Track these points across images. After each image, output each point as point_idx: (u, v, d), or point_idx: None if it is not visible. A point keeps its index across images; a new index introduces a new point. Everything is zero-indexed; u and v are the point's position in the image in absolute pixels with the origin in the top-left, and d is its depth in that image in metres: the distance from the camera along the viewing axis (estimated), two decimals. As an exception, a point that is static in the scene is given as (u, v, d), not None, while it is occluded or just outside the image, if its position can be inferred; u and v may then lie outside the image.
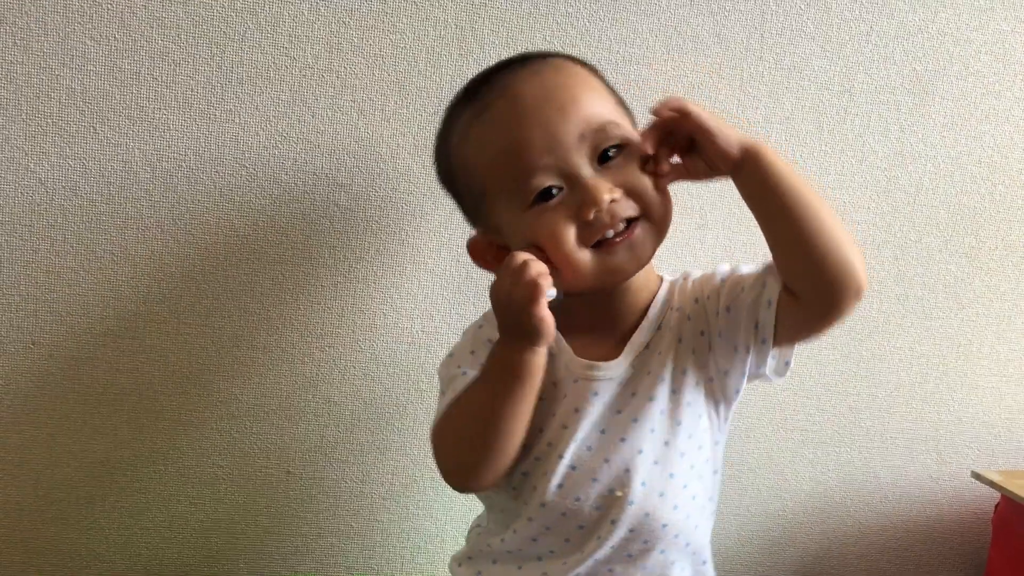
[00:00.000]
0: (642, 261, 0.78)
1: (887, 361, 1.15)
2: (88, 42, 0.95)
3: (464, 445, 0.77)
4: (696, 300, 0.82)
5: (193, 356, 1.03)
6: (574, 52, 0.89)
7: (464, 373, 0.81)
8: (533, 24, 1.00)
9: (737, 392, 0.83)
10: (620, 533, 0.79)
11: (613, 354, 0.81)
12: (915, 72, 1.08)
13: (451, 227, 1.02)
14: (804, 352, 1.11)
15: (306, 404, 1.06)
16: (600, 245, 0.75)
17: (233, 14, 0.96)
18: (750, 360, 0.80)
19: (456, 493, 0.84)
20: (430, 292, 1.05)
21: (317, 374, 1.06)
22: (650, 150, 0.76)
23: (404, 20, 0.98)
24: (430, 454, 0.81)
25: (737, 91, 1.05)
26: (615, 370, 0.81)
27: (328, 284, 1.04)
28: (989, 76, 1.10)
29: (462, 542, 0.94)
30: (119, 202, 0.99)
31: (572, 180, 0.74)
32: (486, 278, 0.81)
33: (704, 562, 0.86)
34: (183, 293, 1.02)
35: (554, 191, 0.74)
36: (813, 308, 0.76)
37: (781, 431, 1.16)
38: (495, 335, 0.77)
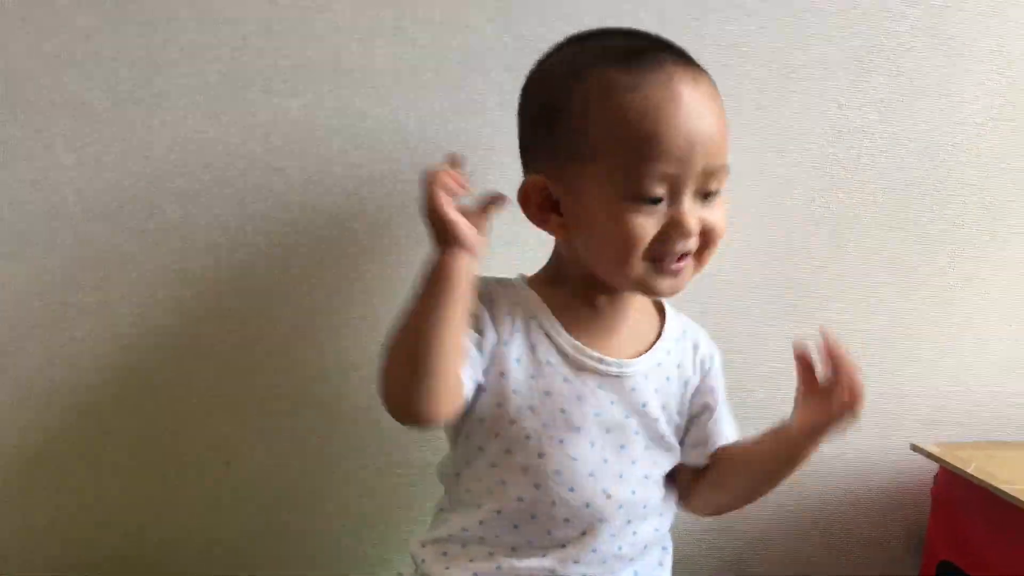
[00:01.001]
0: (676, 291, 0.81)
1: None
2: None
3: (396, 361, 0.74)
4: (685, 383, 0.89)
5: (127, 349, 1.00)
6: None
7: None
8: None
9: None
10: (603, 535, 0.82)
11: (616, 353, 0.84)
12: (852, 49, 1.09)
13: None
14: (747, 331, 1.13)
15: (243, 394, 1.04)
16: (658, 262, 0.78)
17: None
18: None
19: (400, 479, 0.85)
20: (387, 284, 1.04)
21: (256, 362, 1.03)
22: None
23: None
24: (377, 441, 0.81)
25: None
26: (622, 369, 0.84)
27: (320, 283, 1.02)
28: (924, 52, 1.11)
29: (416, 528, 0.93)
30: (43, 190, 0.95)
31: (676, 200, 0.76)
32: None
33: (665, 548, 0.91)
34: (116, 281, 0.99)
35: (660, 201, 0.76)
36: (688, 499, 0.92)
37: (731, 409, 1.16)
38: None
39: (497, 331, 0.81)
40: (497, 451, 0.81)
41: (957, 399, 1.22)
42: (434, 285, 0.73)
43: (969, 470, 1.05)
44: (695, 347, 0.91)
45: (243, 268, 1.01)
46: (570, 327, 0.83)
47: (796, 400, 0.82)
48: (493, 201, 0.78)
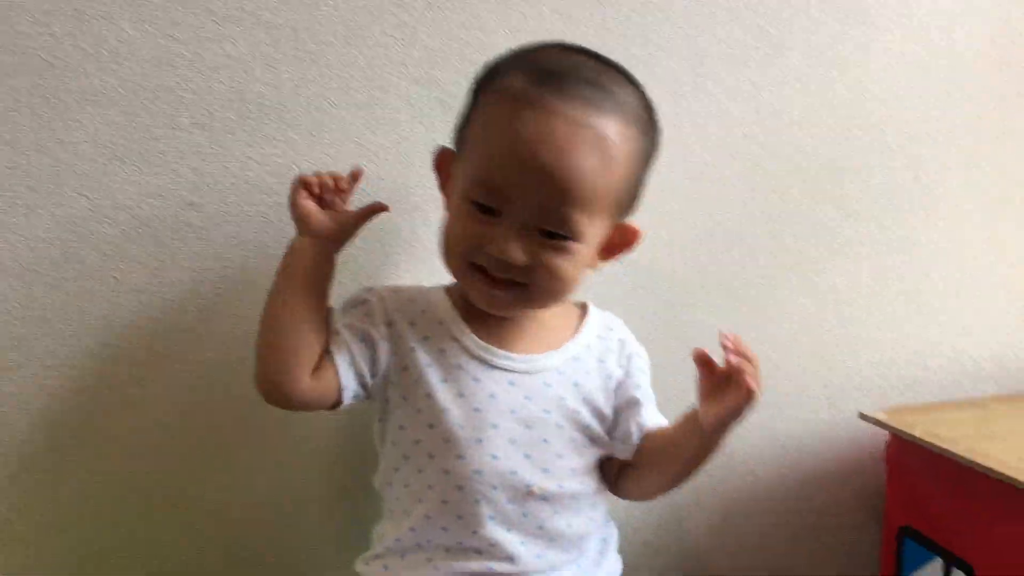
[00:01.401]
0: (493, 308, 0.83)
1: (768, 316, 1.17)
2: None
3: (258, 340, 0.83)
4: (608, 377, 0.89)
5: (55, 400, 0.99)
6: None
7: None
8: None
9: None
10: (537, 535, 0.83)
11: (525, 350, 0.86)
12: (760, 28, 1.09)
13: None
14: (685, 317, 1.13)
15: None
16: (484, 275, 0.80)
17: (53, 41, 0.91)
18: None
19: (353, 494, 0.86)
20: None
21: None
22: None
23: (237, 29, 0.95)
24: (326, 461, 0.83)
25: (587, 66, 1.05)
26: (535, 365, 0.85)
27: (189, 309, 1.00)
28: (834, 25, 1.12)
29: (365, 544, 0.92)
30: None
31: (508, 219, 0.77)
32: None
33: (606, 539, 0.92)
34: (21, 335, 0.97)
35: (494, 211, 0.77)
36: (621, 486, 0.91)
37: (674, 398, 1.15)
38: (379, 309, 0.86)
39: (402, 338, 0.84)
40: (421, 456, 0.82)
41: (903, 364, 1.23)
42: (285, 267, 0.83)
43: (916, 434, 1.06)
44: (621, 343, 0.92)
45: (171, 307, 0.99)
46: (478, 329, 0.85)
47: (699, 396, 0.81)
48: (373, 208, 0.86)
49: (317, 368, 0.81)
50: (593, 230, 0.79)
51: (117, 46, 0.92)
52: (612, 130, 0.77)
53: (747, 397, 0.76)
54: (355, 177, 0.86)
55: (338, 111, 0.98)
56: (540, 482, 0.82)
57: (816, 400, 1.20)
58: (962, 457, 0.99)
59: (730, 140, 1.11)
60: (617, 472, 0.91)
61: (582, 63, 0.80)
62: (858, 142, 1.15)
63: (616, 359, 0.90)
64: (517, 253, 0.77)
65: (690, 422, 0.83)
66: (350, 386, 0.83)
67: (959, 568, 1.05)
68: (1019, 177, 1.23)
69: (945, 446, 1.01)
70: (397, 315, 0.85)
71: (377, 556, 0.86)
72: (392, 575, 0.84)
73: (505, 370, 0.84)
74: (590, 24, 1.04)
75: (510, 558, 0.82)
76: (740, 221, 1.13)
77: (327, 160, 0.98)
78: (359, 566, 0.88)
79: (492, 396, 0.82)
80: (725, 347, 0.77)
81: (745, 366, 0.76)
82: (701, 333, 1.14)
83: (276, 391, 0.81)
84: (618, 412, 0.89)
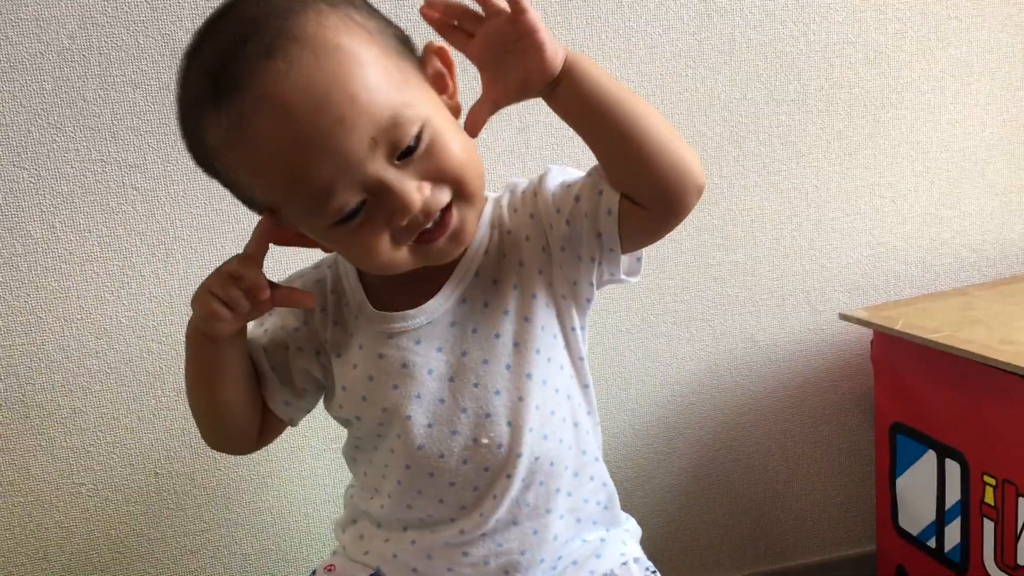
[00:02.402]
0: (467, 240, 0.71)
1: (739, 224, 1.14)
2: None
3: (196, 417, 0.79)
4: (532, 216, 0.74)
5: (22, 374, 0.97)
6: None
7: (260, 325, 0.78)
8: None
9: (589, 301, 0.76)
10: (506, 484, 0.74)
11: (428, 291, 0.74)
12: (705, -74, 1.06)
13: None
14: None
15: (157, 401, 1.01)
16: (418, 239, 0.68)
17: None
18: (602, 269, 0.73)
19: (336, 461, 0.83)
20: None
21: (163, 368, 1.00)
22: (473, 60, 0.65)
23: None
24: (303, 429, 0.82)
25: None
26: (432, 312, 0.74)
27: (145, 271, 0.98)
28: (777, -84, 1.08)
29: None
30: None
31: (375, 189, 0.64)
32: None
33: (604, 484, 0.81)
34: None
35: (361, 206, 0.65)
36: (655, 213, 0.69)
37: (652, 319, 1.14)
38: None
39: (315, 331, 0.76)
40: (371, 441, 0.77)
41: (882, 259, 1.20)
42: (195, 357, 0.74)
43: (897, 327, 1.04)
44: (511, 197, 0.77)
45: (124, 270, 0.98)
46: (376, 296, 0.75)
47: (491, 92, 0.66)
48: (296, 300, 0.73)
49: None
50: (421, 99, 0.66)
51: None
52: (308, 38, 0.62)
53: (521, 14, 0.62)
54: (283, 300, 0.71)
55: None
56: (487, 432, 0.73)
57: (796, 305, 1.18)
58: (945, 345, 0.97)
59: (682, 45, 1.08)
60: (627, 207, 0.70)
61: (221, 38, 0.64)
62: (814, 37, 1.12)
63: (530, 239, 0.74)
64: (414, 194, 0.64)
65: (562, 99, 0.67)
66: (296, 417, 0.79)
67: (952, 458, 1.04)
68: (983, 64, 1.19)
69: (927, 336, 0.99)
70: (311, 310, 0.76)
71: (353, 522, 0.82)
72: (368, 545, 0.79)
73: (407, 332, 0.74)
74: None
75: (482, 517, 0.74)
76: (700, 129, 1.11)
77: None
78: (336, 532, 0.85)
79: (405, 365, 0.73)
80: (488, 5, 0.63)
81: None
82: (676, 247, 1.13)
83: (233, 452, 0.82)
84: (579, 255, 0.73)
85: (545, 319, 0.74)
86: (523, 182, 0.77)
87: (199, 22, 0.65)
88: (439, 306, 0.74)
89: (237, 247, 0.69)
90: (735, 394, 1.19)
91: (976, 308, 1.09)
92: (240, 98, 0.62)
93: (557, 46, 0.64)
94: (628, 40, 1.06)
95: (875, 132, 1.16)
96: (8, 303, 0.96)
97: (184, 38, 0.65)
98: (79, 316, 0.98)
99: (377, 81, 0.63)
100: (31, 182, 0.94)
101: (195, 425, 0.98)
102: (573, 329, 0.76)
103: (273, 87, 0.61)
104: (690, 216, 1.08)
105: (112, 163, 0.96)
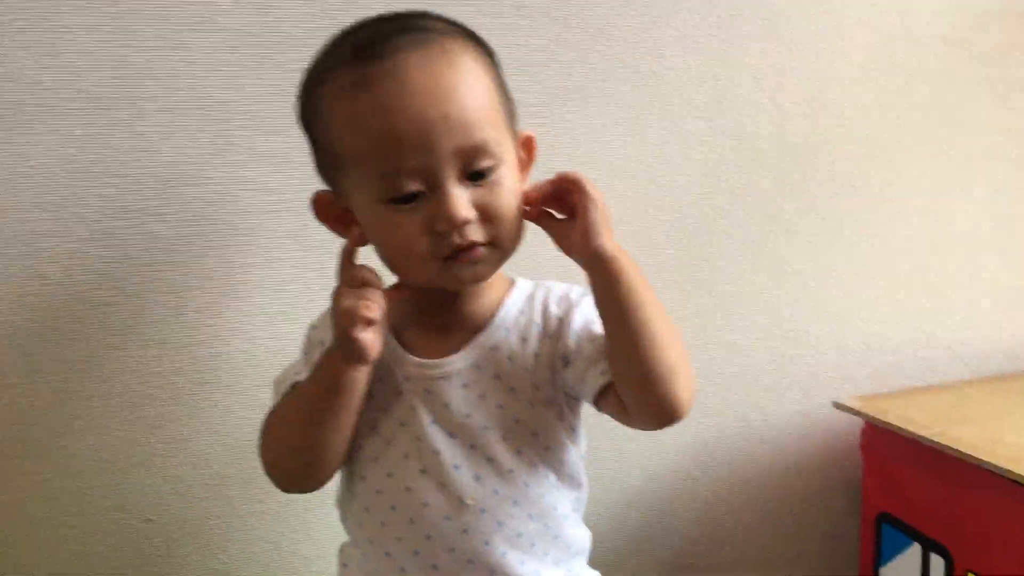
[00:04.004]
0: (481, 279, 0.76)
1: (741, 305, 1.17)
2: None
3: (283, 449, 0.78)
4: (560, 320, 0.79)
5: (18, 417, 0.97)
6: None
7: (297, 374, 0.79)
8: None
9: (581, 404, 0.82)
10: (476, 542, 0.77)
11: (450, 345, 0.79)
12: (719, 19, 1.09)
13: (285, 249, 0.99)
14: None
15: (151, 447, 1.01)
16: (447, 259, 0.73)
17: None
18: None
19: (333, 514, 0.83)
20: (273, 309, 1.02)
21: (160, 415, 1.01)
22: (530, 203, 0.75)
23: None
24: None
25: (546, 58, 1.04)
26: (452, 366, 0.78)
27: (160, 319, 0.99)
28: (792, 12, 1.11)
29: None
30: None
31: (435, 186, 0.71)
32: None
33: (577, 554, 0.84)
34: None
35: (416, 196, 0.71)
36: (631, 414, 0.74)
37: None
38: (328, 337, 0.75)
39: None
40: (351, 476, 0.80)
41: (875, 350, 1.23)
42: (328, 390, 0.74)
43: (889, 420, 1.06)
44: (544, 308, 0.81)
45: (140, 317, 0.99)
46: (414, 340, 0.80)
47: (557, 242, 0.75)
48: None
49: None
50: (506, 148, 0.74)
51: (75, 58, 0.91)
52: (454, 51, 0.73)
53: (581, 191, 0.72)
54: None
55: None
56: (472, 492, 0.76)
57: (790, 388, 1.20)
58: (935, 442, 0.99)
59: (693, 129, 1.11)
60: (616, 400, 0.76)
61: (382, 24, 0.75)
62: (821, 130, 1.15)
63: (550, 338, 0.79)
64: (462, 210, 0.71)
65: (590, 278, 0.73)
66: None
67: (937, 553, 1.05)
68: (981, 163, 1.23)
69: (918, 431, 1.01)
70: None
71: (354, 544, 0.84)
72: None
73: (425, 379, 0.78)
74: (551, 18, 1.03)
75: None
76: (704, 211, 1.13)
77: (294, 168, 0.97)
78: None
79: (402, 424, 0.78)
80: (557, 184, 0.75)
81: (563, 177, 0.74)
82: (676, 323, 1.14)
83: (311, 490, 0.80)
84: (575, 358, 0.78)
85: (545, 411, 0.79)
86: (559, 286, 0.82)
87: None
88: (458, 363, 0.78)
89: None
90: (724, 471, 1.20)
91: (967, 405, 1.12)
92: (373, 65, 0.71)
93: (602, 239, 0.72)
94: (643, 119, 1.08)
95: (876, 225, 1.19)
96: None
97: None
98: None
99: (486, 110, 0.73)
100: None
101: (190, 473, 1.01)
102: (572, 429, 0.82)
103: (404, 68, 0.70)
104: (690, 294, 1.13)
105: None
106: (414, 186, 0.71)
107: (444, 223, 0.71)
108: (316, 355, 0.78)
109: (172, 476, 1.03)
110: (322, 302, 0.78)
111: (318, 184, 0.78)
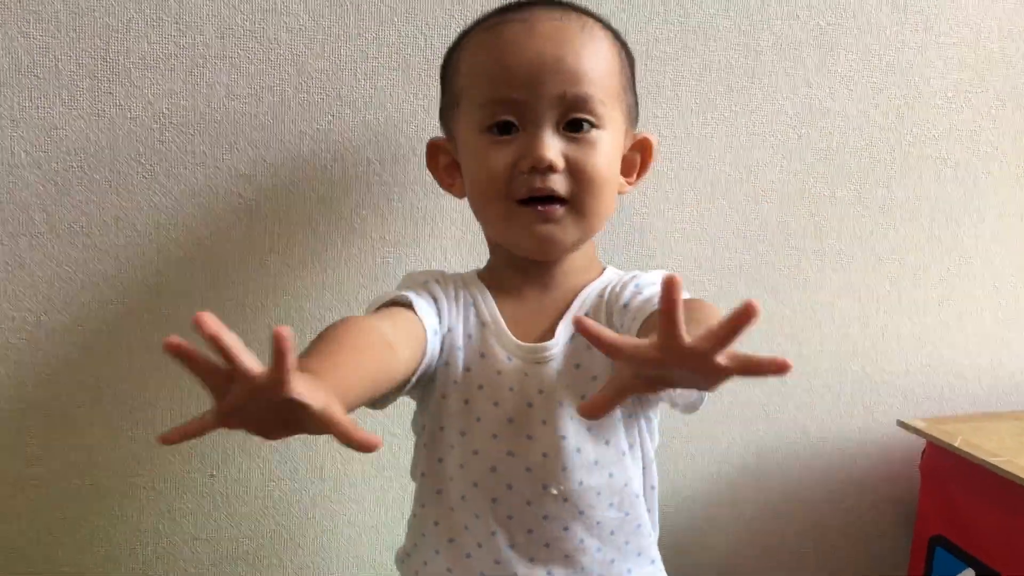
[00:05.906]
0: (551, 241, 0.75)
1: (809, 317, 1.16)
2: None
3: None
4: (626, 306, 0.78)
5: (101, 364, 0.99)
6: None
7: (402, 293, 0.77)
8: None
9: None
10: (555, 531, 0.77)
11: (548, 335, 0.78)
12: (819, 27, 1.08)
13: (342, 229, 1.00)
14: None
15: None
16: (523, 204, 0.74)
17: (115, 3, 0.92)
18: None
19: (389, 482, 0.83)
20: (337, 281, 1.03)
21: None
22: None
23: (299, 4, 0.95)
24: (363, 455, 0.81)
25: (643, 55, 1.04)
26: (552, 350, 0.77)
27: (236, 280, 1.01)
28: (890, 28, 1.11)
29: (398, 532, 0.91)
30: (7, 207, 0.94)
31: (527, 124, 0.74)
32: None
33: (652, 561, 0.84)
34: (86, 299, 0.97)
35: (513, 129, 0.74)
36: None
37: (710, 397, 1.15)
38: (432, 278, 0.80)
39: (451, 331, 0.79)
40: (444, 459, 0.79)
41: (941, 373, 1.22)
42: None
43: (956, 444, 1.05)
44: (621, 288, 0.80)
45: (218, 276, 1.00)
46: (507, 316, 0.79)
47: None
48: None
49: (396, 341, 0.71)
50: (612, 121, 0.75)
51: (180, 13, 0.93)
52: (591, 26, 0.77)
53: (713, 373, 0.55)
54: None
55: (396, 88, 0.98)
56: (558, 481, 0.76)
57: (852, 404, 1.20)
58: (1003, 470, 0.98)
59: (781, 137, 1.10)
60: None
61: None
62: (908, 148, 1.14)
63: (606, 316, 0.79)
64: (550, 151, 0.72)
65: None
66: (431, 345, 0.75)
67: (991, 579, 1.05)
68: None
69: (987, 458, 1.01)
70: (454, 311, 0.79)
71: (409, 554, 0.84)
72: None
73: (530, 363, 0.77)
74: (652, 14, 1.03)
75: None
76: (786, 220, 1.13)
77: (384, 139, 0.98)
78: (397, 561, 0.87)
79: (495, 404, 0.77)
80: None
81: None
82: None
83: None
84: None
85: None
86: (648, 275, 0.81)
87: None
88: (557, 347, 0.78)
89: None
90: (779, 481, 1.20)
91: (1032, 436, 1.11)
92: (513, 17, 0.76)
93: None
94: (732, 124, 1.08)
95: (954, 247, 1.18)
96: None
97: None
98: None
99: (601, 74, 0.75)
100: (145, 177, 0.97)
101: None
102: (648, 420, 0.84)
103: (538, 18, 0.75)
104: (761, 300, 1.12)
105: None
106: (511, 117, 0.74)
107: (529, 161, 0.73)
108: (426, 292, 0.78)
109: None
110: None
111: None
